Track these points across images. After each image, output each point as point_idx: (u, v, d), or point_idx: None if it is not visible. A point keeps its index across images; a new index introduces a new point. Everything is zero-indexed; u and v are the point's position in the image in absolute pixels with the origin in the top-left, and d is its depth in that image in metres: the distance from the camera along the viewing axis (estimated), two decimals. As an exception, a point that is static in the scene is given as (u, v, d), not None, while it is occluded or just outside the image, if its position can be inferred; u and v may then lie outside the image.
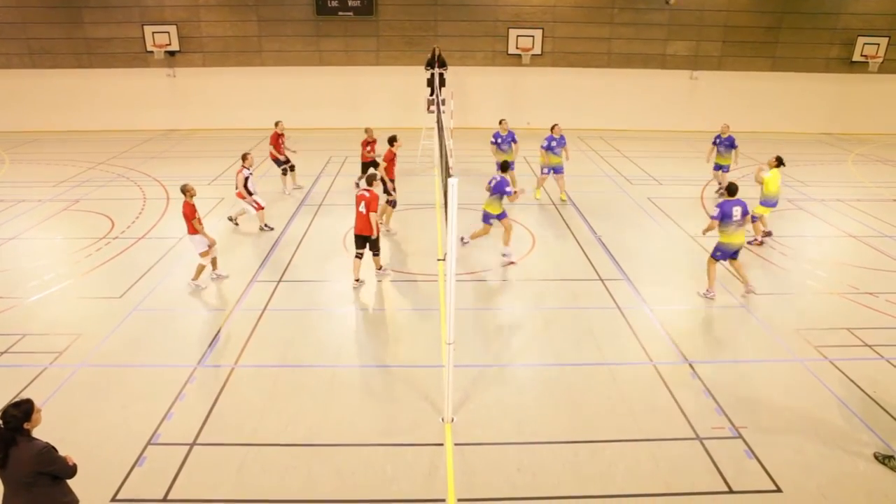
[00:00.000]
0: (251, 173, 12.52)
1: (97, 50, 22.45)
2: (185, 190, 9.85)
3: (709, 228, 9.78)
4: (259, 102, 23.18)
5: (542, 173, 14.87)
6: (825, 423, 6.94)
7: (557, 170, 14.73)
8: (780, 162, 11.93)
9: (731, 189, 9.79)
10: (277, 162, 15.12)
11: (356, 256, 10.20)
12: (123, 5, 21.86)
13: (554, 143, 14.39)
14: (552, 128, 14.45)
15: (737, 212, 9.60)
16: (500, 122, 15.21)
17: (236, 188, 12.54)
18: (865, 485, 6.07)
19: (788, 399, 7.39)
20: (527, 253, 11.78)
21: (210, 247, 10.10)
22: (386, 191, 12.57)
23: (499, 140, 15.05)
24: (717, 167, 15.46)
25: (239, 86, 23.04)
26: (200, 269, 10.17)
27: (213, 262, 10.42)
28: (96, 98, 22.98)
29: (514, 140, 15.10)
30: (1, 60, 22.36)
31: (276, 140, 14.90)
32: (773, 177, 11.81)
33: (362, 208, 9.84)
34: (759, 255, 11.75)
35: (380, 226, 10.24)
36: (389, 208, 12.71)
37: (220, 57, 22.80)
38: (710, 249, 10.05)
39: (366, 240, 10.10)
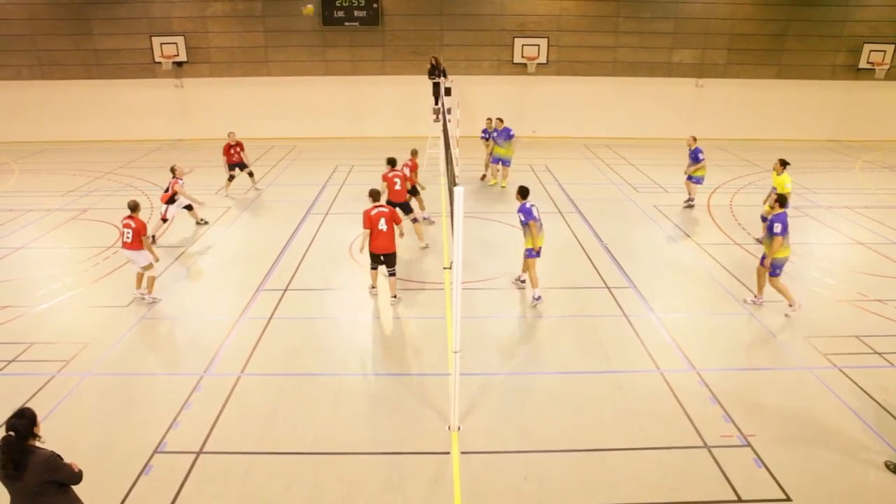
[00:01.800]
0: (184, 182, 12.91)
1: (106, 61, 22.68)
2: (136, 206, 9.81)
3: (776, 248, 9.23)
4: (266, 112, 23.33)
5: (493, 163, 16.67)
6: (835, 432, 6.88)
7: (505, 161, 16.45)
8: (784, 164, 12.07)
9: (784, 200, 9.53)
10: (230, 166, 15.95)
11: (373, 268, 10.02)
12: (132, 17, 22.09)
13: (496, 134, 16.25)
14: (494, 121, 16.49)
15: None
16: (488, 120, 16.91)
17: (166, 190, 12.76)
18: (876, 494, 6.00)
19: (798, 407, 7.33)
20: (533, 261, 11.76)
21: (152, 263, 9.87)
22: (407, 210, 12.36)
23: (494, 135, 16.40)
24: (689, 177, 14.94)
25: (246, 96, 23.20)
26: (151, 280, 9.93)
27: (139, 281, 10.03)
28: (105, 108, 23.18)
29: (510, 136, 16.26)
30: (11, 72, 22.61)
31: (229, 150, 15.75)
32: (788, 180, 11.93)
33: (383, 225, 9.49)
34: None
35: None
36: (416, 224, 12.46)
37: (227, 67, 22.99)
38: (764, 264, 9.59)
39: (388, 257, 9.78)
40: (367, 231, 9.56)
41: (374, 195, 9.82)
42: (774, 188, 12.14)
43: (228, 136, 15.85)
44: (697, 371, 8.07)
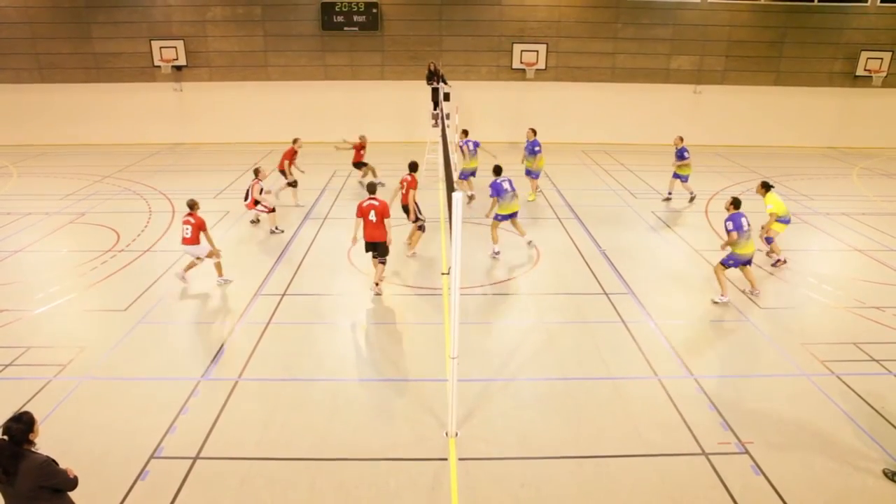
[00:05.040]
0: (263, 186, 13.34)
1: (105, 64, 22.70)
2: (194, 205, 10.50)
3: (729, 243, 9.97)
4: (265, 117, 23.35)
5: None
6: (833, 439, 6.88)
7: (533, 174, 16.19)
8: (767, 187, 11.62)
9: (738, 202, 10.18)
10: (284, 174, 15.40)
11: (376, 260, 10.41)
12: (131, 21, 22.13)
13: (525, 146, 16.14)
14: (527, 131, 16.17)
15: (745, 222, 9.99)
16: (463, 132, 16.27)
17: (246, 199, 13.28)
18: (874, 502, 6.00)
19: (795, 414, 7.33)
20: (531, 267, 11.77)
21: (207, 255, 10.67)
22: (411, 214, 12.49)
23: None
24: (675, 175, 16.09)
25: (245, 100, 23.22)
26: (218, 266, 10.76)
27: (219, 269, 10.86)
28: (104, 112, 23.17)
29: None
30: (10, 75, 22.61)
31: (292, 156, 15.22)
32: (773, 200, 11.55)
33: (373, 217, 9.99)
34: (765, 270, 11.72)
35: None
36: (419, 232, 12.40)
37: (226, 71, 23.02)
38: (718, 259, 10.33)
39: (376, 246, 10.25)
40: (359, 220, 10.17)
41: (370, 188, 10.34)
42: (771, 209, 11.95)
43: (295, 142, 15.24)
44: (695, 378, 8.07)
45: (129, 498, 5.93)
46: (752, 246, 10.21)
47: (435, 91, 19.18)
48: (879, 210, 15.83)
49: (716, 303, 10.22)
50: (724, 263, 10.20)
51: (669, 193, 16.42)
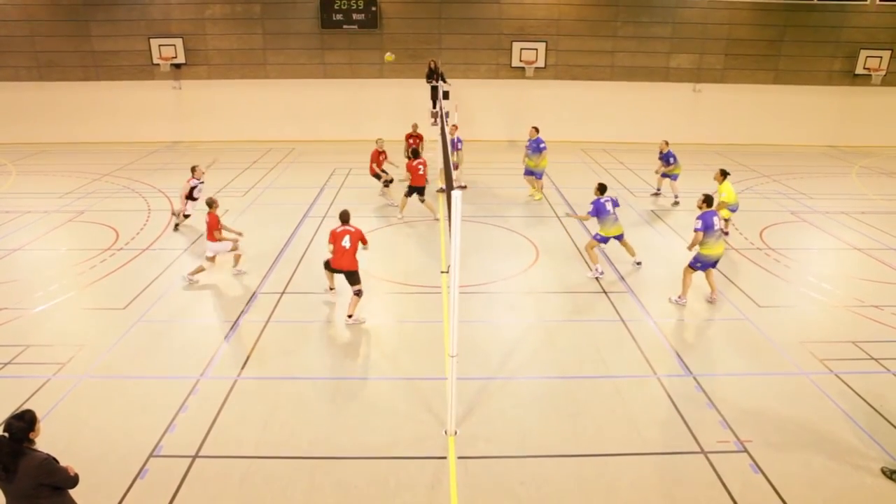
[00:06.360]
0: (199, 183, 13.27)
1: (104, 63, 22.65)
2: (211, 203, 10.70)
3: (694, 243, 9.78)
4: (263, 115, 23.32)
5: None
6: (831, 438, 6.89)
7: (536, 174, 16.05)
8: (724, 174, 12.42)
9: (710, 200, 10.01)
10: (377, 176, 15.42)
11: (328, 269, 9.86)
12: (130, 19, 22.08)
13: (527, 145, 15.91)
14: (530, 129, 15.87)
15: (717, 221, 9.83)
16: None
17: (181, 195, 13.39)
18: (872, 500, 6.01)
19: (794, 413, 7.34)
20: (530, 265, 11.77)
21: (230, 250, 11.07)
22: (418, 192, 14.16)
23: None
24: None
25: (244, 98, 23.18)
26: (237, 257, 11.24)
27: (236, 260, 11.36)
28: (102, 110, 23.12)
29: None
30: (9, 73, 22.56)
31: (378, 157, 15.20)
32: (727, 188, 12.29)
33: (346, 243, 9.24)
34: (764, 268, 11.73)
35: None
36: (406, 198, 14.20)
37: (225, 69, 22.97)
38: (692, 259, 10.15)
39: (348, 274, 9.44)
40: (331, 247, 9.38)
41: (343, 217, 9.58)
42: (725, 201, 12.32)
43: (377, 142, 15.31)
44: (694, 376, 8.08)
45: (129, 496, 5.93)
46: (721, 247, 9.96)
47: (434, 89, 19.15)
48: (879, 209, 15.84)
49: (672, 302, 10.16)
50: (692, 266, 9.98)
51: (658, 189, 16.67)
